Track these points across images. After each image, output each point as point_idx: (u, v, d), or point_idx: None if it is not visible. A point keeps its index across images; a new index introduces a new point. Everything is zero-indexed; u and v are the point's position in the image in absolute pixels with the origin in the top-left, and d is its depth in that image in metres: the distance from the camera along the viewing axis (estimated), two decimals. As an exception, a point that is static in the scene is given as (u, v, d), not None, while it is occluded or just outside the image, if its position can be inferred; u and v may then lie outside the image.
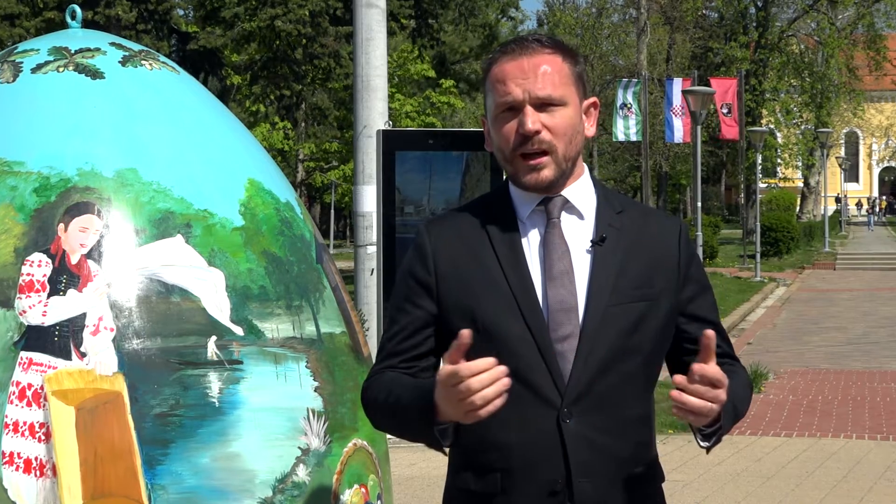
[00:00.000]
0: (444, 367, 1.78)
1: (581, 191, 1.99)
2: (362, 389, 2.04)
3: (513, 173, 1.95)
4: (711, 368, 1.80)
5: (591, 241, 1.95)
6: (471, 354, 1.92)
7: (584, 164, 2.04)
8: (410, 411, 1.88)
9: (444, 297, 1.95)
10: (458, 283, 1.95)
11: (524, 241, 1.96)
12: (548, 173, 1.93)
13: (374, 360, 2.20)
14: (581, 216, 1.98)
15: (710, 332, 1.81)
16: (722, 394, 1.82)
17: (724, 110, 28.51)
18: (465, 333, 1.75)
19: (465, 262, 1.95)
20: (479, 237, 1.96)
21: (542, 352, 1.90)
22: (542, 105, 1.91)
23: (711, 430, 1.92)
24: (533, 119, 1.90)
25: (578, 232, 1.97)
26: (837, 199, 51.88)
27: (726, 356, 2.04)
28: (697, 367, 1.80)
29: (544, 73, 1.92)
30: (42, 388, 2.27)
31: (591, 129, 2.01)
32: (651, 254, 1.98)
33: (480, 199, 2.06)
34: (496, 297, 1.92)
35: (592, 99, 2.02)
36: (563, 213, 1.97)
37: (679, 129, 28.22)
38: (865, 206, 54.38)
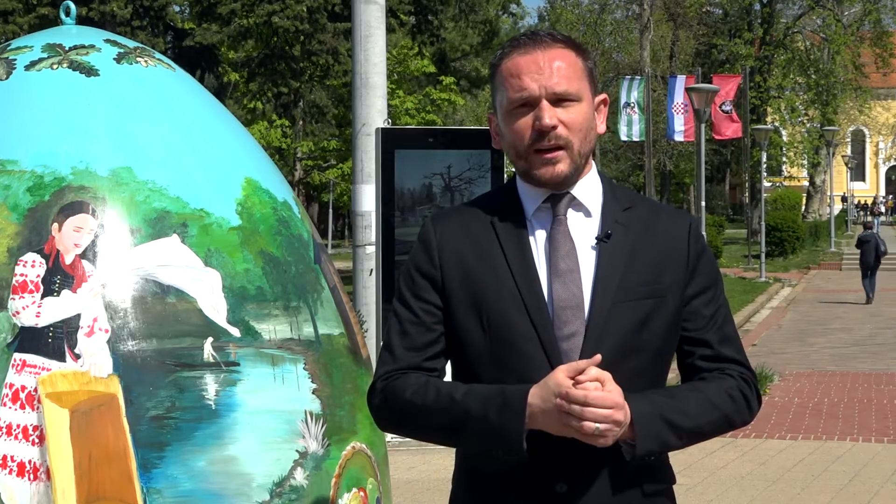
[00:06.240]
0: (566, 387, 1.76)
1: (588, 187, 1.97)
2: (385, 391, 1.92)
3: (526, 168, 1.93)
4: (575, 390, 1.76)
5: (596, 238, 1.94)
6: (475, 350, 1.89)
7: (592, 161, 2.02)
8: (475, 419, 1.83)
9: (449, 291, 1.93)
10: (464, 278, 1.93)
11: (531, 238, 1.94)
12: (563, 167, 1.91)
13: (373, 363, 2.15)
14: (588, 213, 1.96)
15: (597, 357, 1.78)
16: (614, 414, 1.76)
17: (726, 108, 28.36)
18: (598, 358, 1.77)
19: (472, 258, 1.93)
20: (487, 233, 1.95)
21: (546, 350, 1.88)
22: (558, 100, 1.90)
23: (632, 450, 1.84)
24: (550, 114, 1.89)
25: (585, 229, 1.95)
26: (843, 199, 51.38)
27: (723, 360, 1.98)
28: (564, 386, 1.76)
29: (559, 67, 1.90)
30: (36, 390, 2.25)
31: (601, 126, 2.01)
32: (659, 249, 1.95)
33: (487, 195, 2.05)
34: (502, 293, 1.90)
35: (603, 96, 2.01)
36: (570, 211, 1.95)
37: (681, 128, 28.15)
38: (873, 208, 50.40)
